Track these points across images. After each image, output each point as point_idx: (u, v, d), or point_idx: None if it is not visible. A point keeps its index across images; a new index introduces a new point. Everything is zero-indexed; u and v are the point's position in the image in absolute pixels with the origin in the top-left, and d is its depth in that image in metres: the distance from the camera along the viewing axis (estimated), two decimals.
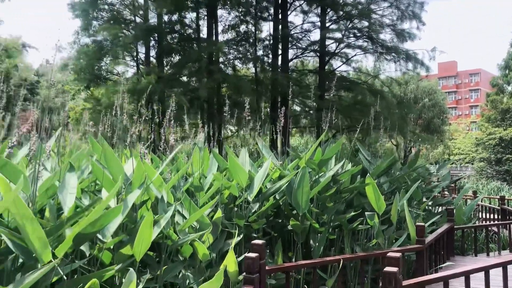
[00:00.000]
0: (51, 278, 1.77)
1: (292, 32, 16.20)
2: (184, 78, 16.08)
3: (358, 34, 15.69)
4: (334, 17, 16.00)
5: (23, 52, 32.87)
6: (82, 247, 2.17)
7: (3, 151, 2.99)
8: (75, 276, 2.14)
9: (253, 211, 3.87)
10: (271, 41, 16.27)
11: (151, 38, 15.07)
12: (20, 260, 2.08)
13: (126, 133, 4.22)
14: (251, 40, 17.18)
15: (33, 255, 1.86)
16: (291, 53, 16.48)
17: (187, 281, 2.99)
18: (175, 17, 15.68)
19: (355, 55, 16.48)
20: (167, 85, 12.85)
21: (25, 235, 1.64)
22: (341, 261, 3.67)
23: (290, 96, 8.95)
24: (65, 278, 1.82)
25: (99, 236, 2.19)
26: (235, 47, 16.67)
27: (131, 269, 1.40)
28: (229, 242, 3.49)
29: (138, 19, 16.09)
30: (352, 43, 15.82)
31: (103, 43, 15.44)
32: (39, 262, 1.66)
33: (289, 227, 4.14)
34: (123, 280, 2.63)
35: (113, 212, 1.90)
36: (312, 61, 19.37)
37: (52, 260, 1.72)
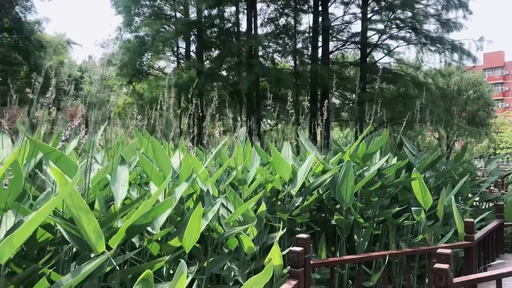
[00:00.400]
0: (105, 268, 1.82)
1: (333, 24, 15.96)
2: (223, 72, 16.19)
3: (401, 25, 15.27)
4: (376, 8, 15.65)
5: (68, 48, 33.97)
6: (132, 239, 2.22)
7: (56, 144, 3.10)
8: (125, 267, 2.18)
9: (296, 205, 3.84)
10: (311, 34, 16.12)
11: (191, 33, 15.23)
12: (73, 250, 2.15)
13: (169, 127, 4.28)
14: (290, 33, 17.08)
15: (88, 245, 1.92)
16: (331, 45, 16.28)
17: (232, 273, 3.00)
18: (214, 11, 15.77)
19: (397, 46, 16.08)
20: (207, 79, 12.98)
21: (80, 226, 1.68)
22: (387, 257, 3.59)
23: (331, 89, 8.81)
24: (117, 268, 1.86)
25: (148, 228, 2.23)
26: (274, 40, 16.61)
27: (182, 260, 1.42)
28: (273, 236, 3.48)
29: (178, 14, 16.31)
30: (394, 34, 15.42)
31: (145, 38, 15.74)
32: (94, 253, 1.70)
33: (332, 222, 4.08)
34: (171, 271, 2.68)
35: (165, 204, 1.93)
36: (352, 53, 19.05)
37: (106, 251, 1.76)
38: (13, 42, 18.90)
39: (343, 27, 16.52)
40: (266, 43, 15.59)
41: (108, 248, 1.85)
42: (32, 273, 1.70)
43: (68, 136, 2.32)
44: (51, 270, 1.67)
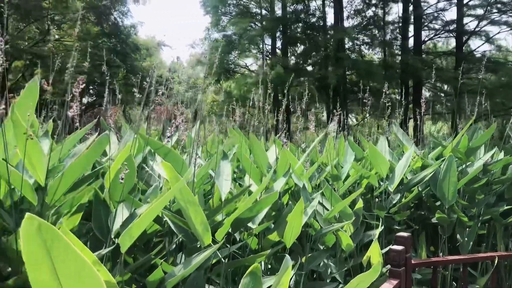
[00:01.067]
0: (212, 260, 1.87)
1: (425, 12, 15.15)
2: (308, 67, 16.08)
3: (503, 9, 14.06)
4: None
5: (159, 50, 35.84)
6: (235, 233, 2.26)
7: (160, 140, 3.24)
8: (226, 260, 2.21)
9: (393, 202, 3.69)
10: (400, 24, 15.46)
11: (277, 30, 15.32)
12: (176, 241, 2.23)
13: (260, 123, 4.32)
14: (378, 24, 16.50)
15: (194, 237, 1.98)
16: (422, 35, 15.46)
17: (329, 270, 2.95)
18: (300, 6, 15.72)
19: (498, 32, 14.86)
20: (294, 74, 12.98)
21: (188, 218, 1.74)
22: (496, 259, 3.32)
23: (424, 80, 8.37)
24: (223, 260, 1.90)
25: (248, 223, 2.26)
26: (362, 32, 16.16)
27: (287, 255, 1.40)
28: (369, 234, 3.37)
29: (264, 12, 16.49)
30: (495, 19, 14.23)
31: (232, 37, 16.13)
32: (201, 244, 1.75)
33: (433, 220, 3.86)
34: (269, 265, 2.70)
35: (269, 198, 1.93)
36: (444, 42, 17.96)
37: (211, 244, 1.80)
38: (112, 46, 20.33)
39: (436, 15, 15.60)
40: (355, 35, 15.22)
41: (213, 241, 1.90)
42: (145, 263, 1.79)
43: (172, 133, 2.42)
44: (162, 261, 1.75)
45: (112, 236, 1.85)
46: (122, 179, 1.63)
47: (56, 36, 20.44)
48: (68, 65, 1.56)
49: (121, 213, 1.92)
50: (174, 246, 2.11)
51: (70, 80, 1.78)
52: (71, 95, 1.70)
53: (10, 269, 1.75)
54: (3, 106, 1.36)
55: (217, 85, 20.18)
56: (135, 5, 28.91)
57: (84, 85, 1.50)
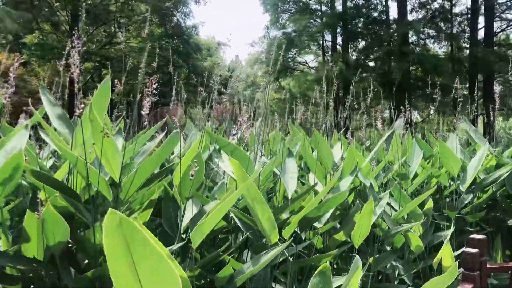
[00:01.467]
0: (279, 258, 1.86)
1: (497, 2, 14.28)
2: (370, 63, 15.69)
3: None
4: None
5: (218, 50, 36.49)
6: (299, 231, 2.24)
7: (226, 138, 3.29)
8: (291, 259, 2.19)
9: (465, 202, 3.50)
10: (469, 15, 14.67)
11: (338, 25, 15.07)
12: (241, 238, 2.24)
13: (321, 120, 4.26)
14: (444, 17, 15.77)
15: (261, 235, 1.98)
16: (494, 26, 14.58)
17: (397, 272, 2.85)
18: (360, 1, 15.37)
19: None
20: (355, 70, 12.71)
21: (255, 216, 1.74)
22: None
23: (496, 74, 7.90)
24: (290, 259, 1.89)
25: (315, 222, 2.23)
26: (428, 25, 15.52)
27: (357, 256, 1.36)
28: (439, 235, 3.22)
29: (324, 8, 16.29)
30: None
31: (291, 34, 16.07)
32: (268, 242, 1.74)
33: (509, 222, 3.63)
34: (334, 265, 2.65)
35: (339, 197, 1.90)
36: None
37: (278, 242, 1.79)
38: (175, 46, 20.94)
39: (510, 4, 14.65)
40: (420, 29, 14.63)
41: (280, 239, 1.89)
42: (214, 259, 1.81)
43: (237, 131, 2.43)
44: (230, 257, 1.76)
45: (181, 232, 1.90)
46: (192, 176, 1.66)
47: (122, 38, 21.36)
48: (141, 65, 1.60)
49: (190, 209, 1.96)
50: (239, 242, 2.12)
51: (142, 80, 1.84)
52: (140, 94, 1.75)
53: (87, 261, 1.84)
54: (83, 106, 1.42)
55: (276, 83, 20.19)
56: (197, 5, 29.56)
57: (156, 84, 1.53)
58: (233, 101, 4.59)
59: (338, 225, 2.57)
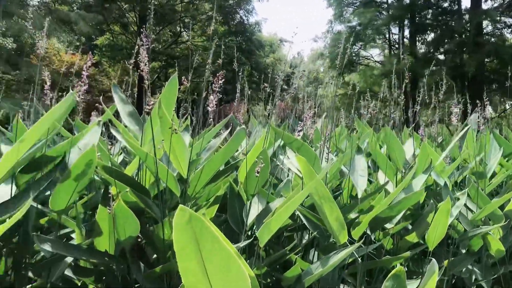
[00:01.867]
0: (348, 259, 1.79)
1: None
2: (440, 56, 14.94)
3: None
4: None
5: (280, 46, 36.46)
6: (367, 232, 2.15)
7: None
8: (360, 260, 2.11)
9: None
10: None
11: (405, 17, 14.49)
12: (310, 237, 2.19)
13: (387, 116, 4.09)
14: None
15: (328, 234, 1.91)
16: None
17: (473, 277, 2.67)
18: None
19: None
20: (423, 64, 12.16)
21: (322, 215, 1.68)
22: None
23: None
24: (359, 260, 1.81)
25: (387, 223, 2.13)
26: (506, 13, 14.52)
27: (433, 259, 1.26)
28: None
29: (390, 0, 15.72)
30: None
31: (356, 28, 15.68)
32: (337, 242, 1.68)
33: None
34: (405, 268, 2.52)
35: (414, 197, 1.79)
36: None
37: (347, 242, 1.72)
38: (238, 44, 21.18)
39: None
40: (497, 18, 13.71)
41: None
42: (280, 257, 1.77)
43: (302, 127, 2.38)
44: (297, 257, 1.72)
45: (247, 229, 1.88)
46: (257, 172, 1.63)
47: (186, 37, 21.94)
48: (208, 61, 1.60)
49: (255, 206, 1.94)
50: (306, 241, 2.07)
51: (208, 77, 1.84)
52: (205, 91, 1.75)
53: (155, 255, 1.87)
54: (152, 102, 1.43)
55: (340, 78, 19.81)
56: (259, 2, 29.55)
57: (223, 80, 1.52)
58: (298, 96, 4.53)
59: (410, 226, 2.44)
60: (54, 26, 13.47)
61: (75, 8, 18.62)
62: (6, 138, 1.95)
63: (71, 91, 1.65)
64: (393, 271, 1.49)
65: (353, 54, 17.05)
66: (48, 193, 1.64)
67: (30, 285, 1.56)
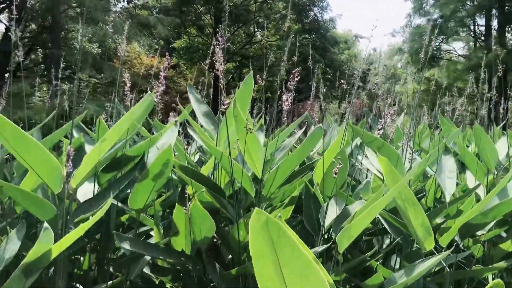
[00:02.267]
0: (434, 268, 1.66)
1: None
2: None
3: None
4: None
5: (355, 43, 35.56)
6: (455, 238, 1.99)
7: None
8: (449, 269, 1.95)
9: None
10: None
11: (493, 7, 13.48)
12: (393, 242, 2.06)
13: (472, 113, 3.80)
14: None
15: (412, 240, 1.79)
16: None
17: None
18: None
19: None
20: None
21: (406, 219, 1.57)
22: None
23: None
24: (447, 269, 1.67)
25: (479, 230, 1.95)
26: None
27: None
28: None
29: None
30: None
31: (437, 21, 14.84)
32: (422, 249, 1.55)
33: None
34: (497, 279, 2.30)
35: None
36: None
37: (433, 250, 1.59)
38: (312, 41, 20.98)
39: None
40: None
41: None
42: (360, 263, 1.68)
43: (383, 125, 2.26)
44: (378, 263, 1.62)
45: (323, 232, 1.80)
46: (335, 173, 1.55)
47: (259, 37, 22.11)
48: (284, 57, 1.55)
49: (333, 209, 1.86)
50: (388, 247, 1.95)
51: (283, 75, 1.79)
52: (280, 89, 1.69)
53: (230, 256, 1.86)
54: (228, 102, 1.41)
55: (419, 74, 18.94)
56: None
57: (298, 77, 1.46)
58: (376, 94, 4.36)
59: (504, 234, 2.23)
60: (134, 31, 14.18)
61: (154, 12, 19.50)
62: (90, 138, 2.03)
63: (149, 92, 1.68)
64: (490, 284, 1.35)
65: (434, 49, 16.20)
66: (128, 191, 1.68)
67: (111, 281, 1.61)
